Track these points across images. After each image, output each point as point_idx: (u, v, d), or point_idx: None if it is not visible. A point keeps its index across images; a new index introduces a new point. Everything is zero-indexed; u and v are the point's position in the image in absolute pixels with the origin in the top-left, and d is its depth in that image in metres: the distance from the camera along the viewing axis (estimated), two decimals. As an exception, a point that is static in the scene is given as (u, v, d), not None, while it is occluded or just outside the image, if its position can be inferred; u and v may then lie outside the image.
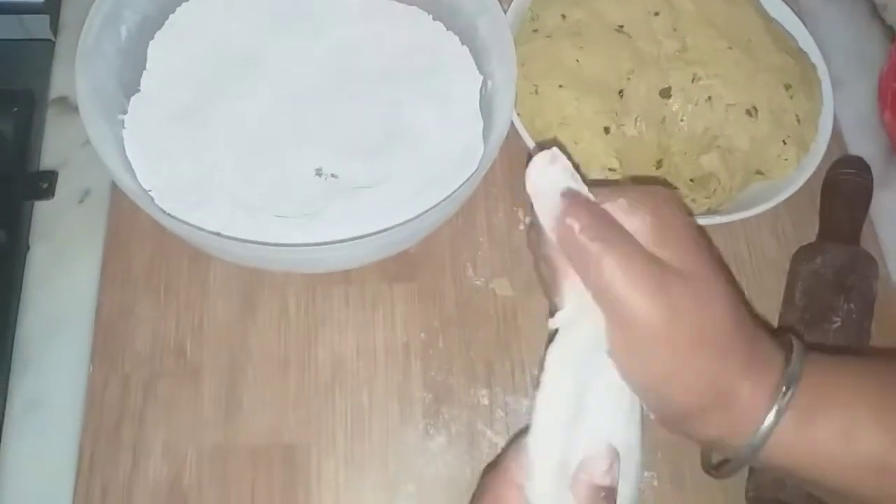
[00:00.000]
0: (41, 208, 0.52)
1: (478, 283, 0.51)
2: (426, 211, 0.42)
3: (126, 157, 0.48)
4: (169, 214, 0.43)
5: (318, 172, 0.50)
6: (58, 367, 0.48)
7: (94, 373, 0.47)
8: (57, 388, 0.47)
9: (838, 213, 0.51)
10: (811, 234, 0.52)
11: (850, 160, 0.53)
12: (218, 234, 0.43)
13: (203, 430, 0.46)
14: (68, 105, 0.55)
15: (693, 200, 0.49)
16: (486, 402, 0.48)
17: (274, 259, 0.44)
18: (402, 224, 0.42)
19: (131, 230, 0.51)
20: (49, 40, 0.58)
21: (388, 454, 0.46)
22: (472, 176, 0.44)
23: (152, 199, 0.46)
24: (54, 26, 0.58)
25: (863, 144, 0.58)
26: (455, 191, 0.43)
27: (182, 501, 0.45)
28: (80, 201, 0.52)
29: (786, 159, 0.50)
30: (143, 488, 0.45)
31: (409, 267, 0.51)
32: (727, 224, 0.50)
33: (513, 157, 0.53)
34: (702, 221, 0.48)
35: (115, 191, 0.52)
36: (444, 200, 0.43)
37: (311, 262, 0.45)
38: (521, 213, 0.53)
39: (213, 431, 0.46)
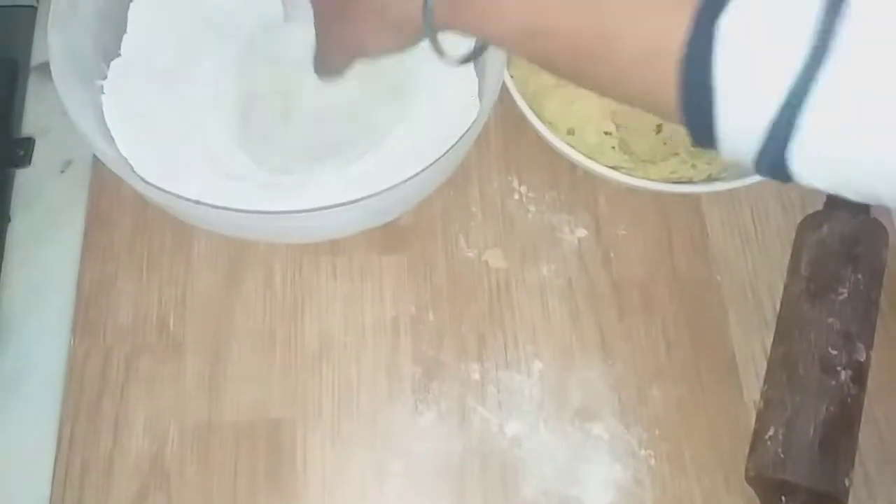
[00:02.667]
0: (22, 179, 0.50)
1: (470, 254, 0.49)
2: (413, 175, 0.40)
3: (105, 124, 0.46)
4: (147, 182, 0.41)
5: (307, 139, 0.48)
6: (39, 339, 0.46)
7: (75, 346, 0.46)
8: (38, 361, 0.46)
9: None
10: (818, 203, 0.50)
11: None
12: (198, 202, 0.42)
13: (186, 406, 0.45)
14: (50, 72, 0.53)
15: (693, 167, 0.47)
16: (477, 377, 0.46)
17: (257, 227, 0.43)
18: (390, 188, 0.40)
19: (113, 201, 0.50)
20: (32, 6, 0.56)
21: (376, 431, 0.45)
22: (460, 139, 0.42)
23: (131, 166, 0.44)
24: (37, -8, 0.56)
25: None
26: (442, 155, 0.41)
27: (164, 479, 0.43)
28: (62, 171, 0.51)
29: (792, 124, 0.48)
30: (124, 464, 0.44)
31: (398, 238, 0.49)
32: (731, 192, 0.48)
33: (507, 126, 0.51)
34: (703, 189, 0.46)
35: (97, 161, 0.50)
36: (430, 165, 0.41)
37: (297, 230, 0.44)
38: (515, 183, 0.51)
39: (195, 407, 0.45)
